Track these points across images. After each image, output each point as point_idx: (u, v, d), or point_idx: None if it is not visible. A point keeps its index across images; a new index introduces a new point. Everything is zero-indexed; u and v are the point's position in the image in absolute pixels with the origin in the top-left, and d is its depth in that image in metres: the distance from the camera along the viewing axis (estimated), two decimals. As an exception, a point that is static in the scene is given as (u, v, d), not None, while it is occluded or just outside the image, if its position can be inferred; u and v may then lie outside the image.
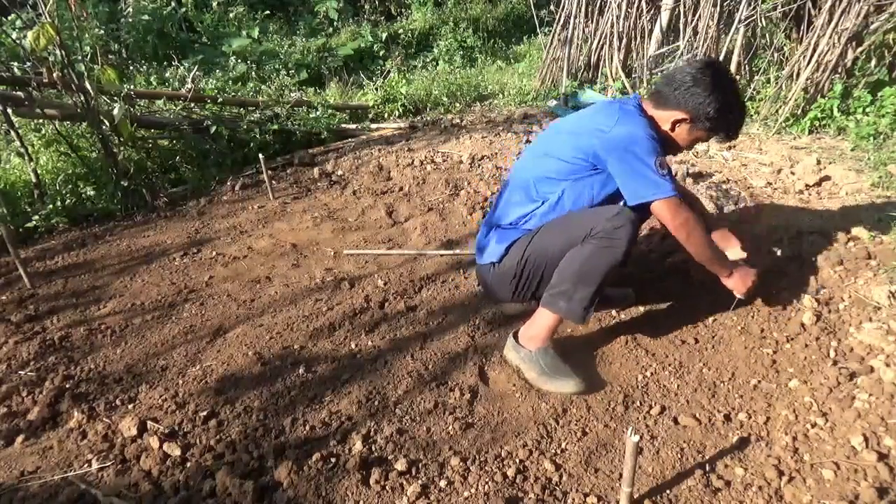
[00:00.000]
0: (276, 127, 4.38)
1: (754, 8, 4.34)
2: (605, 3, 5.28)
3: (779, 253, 2.28)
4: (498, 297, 2.21)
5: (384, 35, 7.93)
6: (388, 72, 6.73)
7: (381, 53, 7.72)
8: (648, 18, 5.14)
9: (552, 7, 7.06)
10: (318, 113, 4.73)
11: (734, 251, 2.16)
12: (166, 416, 1.85)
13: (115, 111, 3.43)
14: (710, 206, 3.00)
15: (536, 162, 2.03)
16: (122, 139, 3.63)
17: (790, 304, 2.23)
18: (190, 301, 2.58)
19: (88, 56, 4.00)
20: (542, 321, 1.97)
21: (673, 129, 1.93)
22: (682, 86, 1.86)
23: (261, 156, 3.73)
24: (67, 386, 2.03)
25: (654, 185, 1.80)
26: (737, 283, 2.03)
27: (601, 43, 5.42)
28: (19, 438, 1.80)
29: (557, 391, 1.90)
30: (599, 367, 2.06)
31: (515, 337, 2.04)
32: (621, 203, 1.90)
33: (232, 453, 1.69)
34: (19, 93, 3.47)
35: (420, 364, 2.08)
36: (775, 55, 4.57)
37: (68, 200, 3.49)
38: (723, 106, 1.85)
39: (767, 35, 4.76)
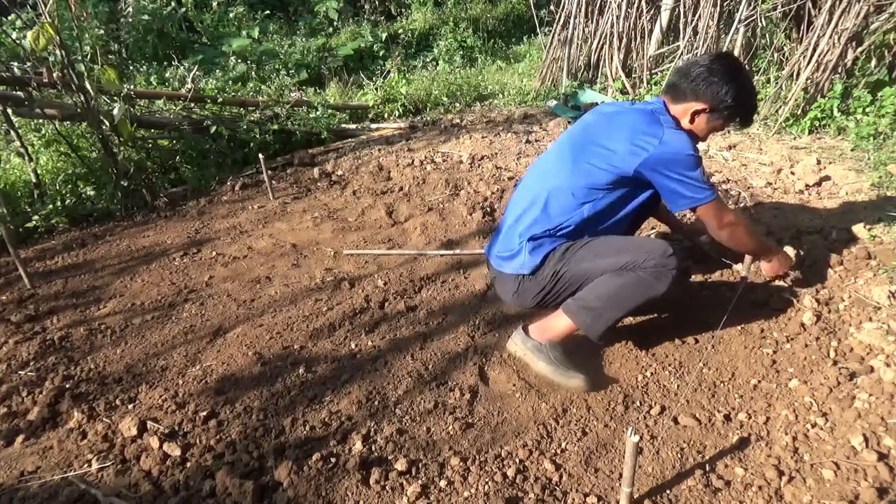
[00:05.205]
0: (276, 127, 4.38)
1: (754, 8, 4.33)
2: (605, 3, 5.28)
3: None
4: (520, 305, 2.17)
5: (384, 35, 7.92)
6: (388, 72, 6.72)
7: (381, 53, 7.71)
8: (648, 18, 5.14)
9: (552, 7, 7.04)
10: (318, 113, 4.72)
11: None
12: (166, 416, 1.85)
13: (115, 111, 3.43)
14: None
15: (572, 170, 1.99)
16: (122, 139, 3.63)
17: (790, 304, 2.23)
18: (190, 301, 2.58)
19: (88, 56, 3.99)
20: (558, 325, 1.97)
21: (692, 121, 1.98)
22: (698, 77, 1.92)
23: (261, 156, 3.72)
24: (67, 386, 2.03)
25: (699, 191, 1.89)
26: (774, 267, 2.17)
27: (601, 43, 5.41)
28: (19, 438, 1.81)
29: (565, 385, 1.91)
30: (600, 366, 2.06)
31: (525, 330, 2.03)
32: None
33: (232, 453, 1.69)
34: (19, 93, 3.47)
35: (420, 364, 2.08)
36: (775, 55, 4.57)
37: (68, 200, 3.49)
38: (739, 93, 1.91)
39: (767, 35, 4.76)
